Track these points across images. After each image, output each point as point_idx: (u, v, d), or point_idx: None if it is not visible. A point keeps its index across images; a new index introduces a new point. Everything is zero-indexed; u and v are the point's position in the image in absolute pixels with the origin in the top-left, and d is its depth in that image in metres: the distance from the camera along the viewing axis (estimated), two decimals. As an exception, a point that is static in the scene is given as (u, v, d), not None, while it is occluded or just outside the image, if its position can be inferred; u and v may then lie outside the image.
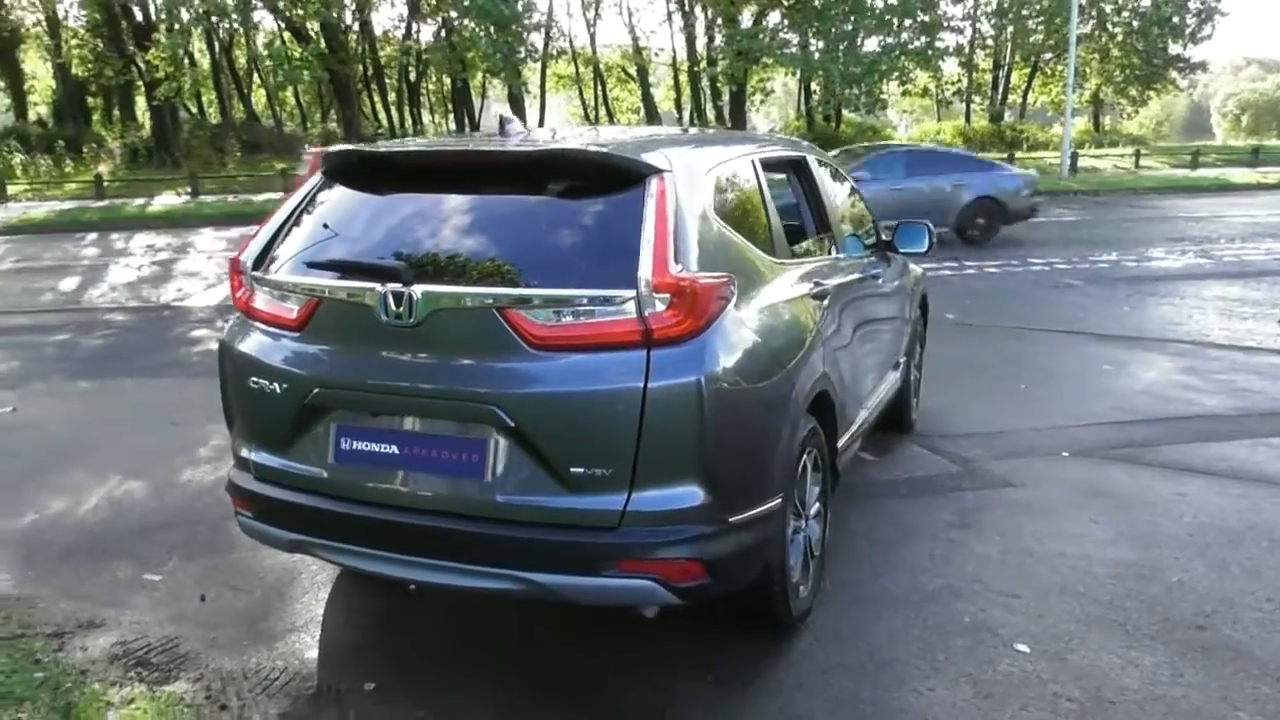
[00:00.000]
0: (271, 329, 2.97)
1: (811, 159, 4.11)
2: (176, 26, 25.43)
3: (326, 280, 2.84)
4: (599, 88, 40.89)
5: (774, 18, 29.88)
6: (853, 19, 27.03)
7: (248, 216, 18.66)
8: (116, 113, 38.81)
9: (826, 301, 3.53)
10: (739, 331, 2.78)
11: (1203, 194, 25.01)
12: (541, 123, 37.49)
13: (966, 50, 37.48)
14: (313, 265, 2.88)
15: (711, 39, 31.90)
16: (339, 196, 3.06)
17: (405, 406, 2.76)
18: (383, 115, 38.23)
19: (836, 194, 4.37)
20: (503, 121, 3.13)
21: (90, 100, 39.44)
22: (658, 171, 2.74)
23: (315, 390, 2.84)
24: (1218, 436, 5.57)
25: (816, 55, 27.74)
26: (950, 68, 37.35)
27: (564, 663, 3.20)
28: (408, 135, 34.16)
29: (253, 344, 3.00)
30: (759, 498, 2.83)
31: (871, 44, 28.82)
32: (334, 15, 26.72)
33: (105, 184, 24.70)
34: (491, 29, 25.49)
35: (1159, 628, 3.36)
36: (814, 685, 3.03)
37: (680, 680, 3.06)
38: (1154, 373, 7.09)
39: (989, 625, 3.38)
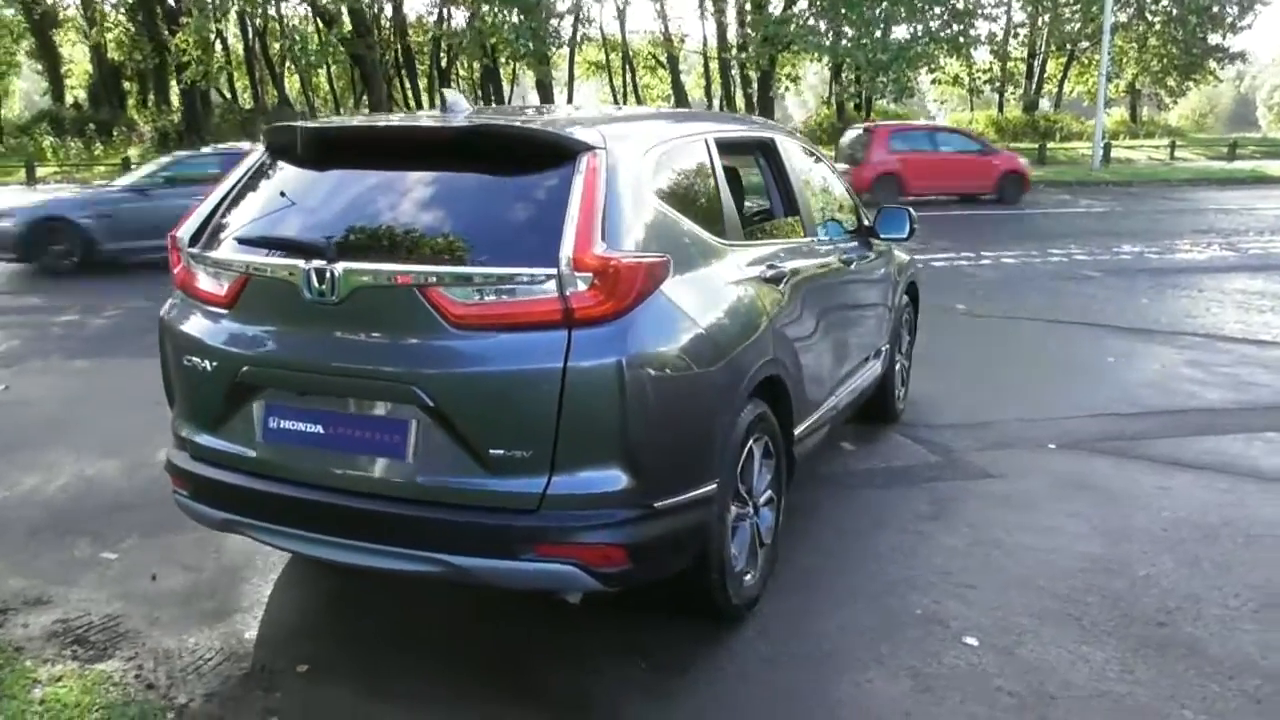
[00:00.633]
0: (204, 306, 2.95)
1: (781, 141, 4.03)
2: (203, 10, 25.59)
3: (254, 257, 2.81)
4: (627, 75, 40.73)
5: (803, 3, 29.58)
6: (883, 5, 26.65)
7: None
8: (151, 97, 39.26)
9: (784, 285, 3.45)
10: (671, 313, 2.71)
11: (1237, 186, 24.52)
12: (568, 109, 37.40)
13: (1000, 38, 36.90)
14: (243, 242, 2.86)
15: (742, 25, 31.63)
16: (277, 173, 3.03)
17: (330, 386, 2.73)
18: (413, 101, 38.34)
19: (808, 177, 4.27)
20: (444, 98, 3.08)
21: (126, 84, 39.94)
22: (589, 148, 2.68)
23: (244, 368, 2.82)
24: (1214, 430, 5.43)
25: (844, 42, 27.39)
26: (982, 56, 36.85)
27: (500, 644, 3.16)
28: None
29: (187, 321, 2.99)
30: (690, 483, 2.77)
31: (901, 31, 28.45)
32: (361, 1, 26.79)
33: (133, 166, 24.94)
34: (516, 13, 25.44)
35: (1116, 623, 3.26)
36: (753, 674, 2.97)
37: (614, 665, 3.00)
38: (1159, 365, 6.93)
39: (941, 617, 3.30)
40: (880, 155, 19.11)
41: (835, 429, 5.17)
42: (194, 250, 2.96)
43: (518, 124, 2.81)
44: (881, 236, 4.78)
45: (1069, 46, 37.76)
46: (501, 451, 2.55)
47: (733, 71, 36.61)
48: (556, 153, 2.68)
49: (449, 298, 2.54)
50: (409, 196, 2.78)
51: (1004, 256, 12.78)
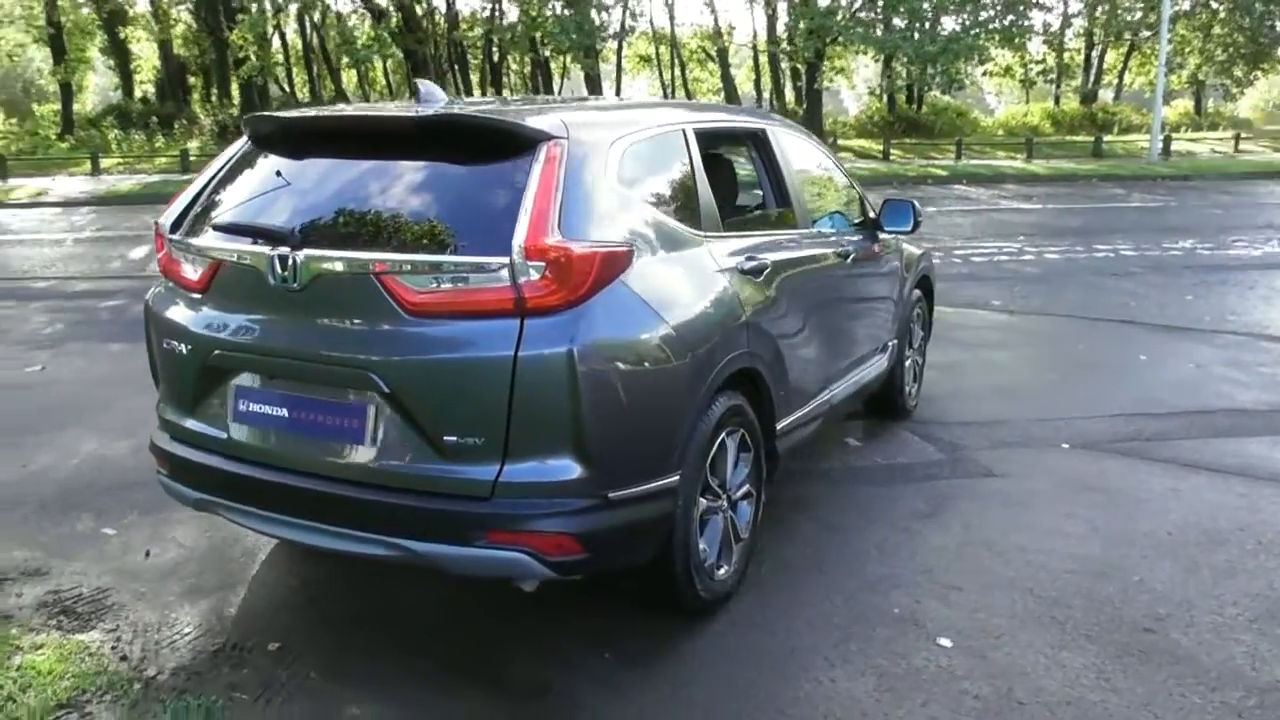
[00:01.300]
0: (182, 291, 3.01)
1: (774, 132, 3.98)
2: (256, 6, 26.05)
3: (225, 244, 2.86)
4: (675, 69, 40.57)
5: (851, -7, 29.19)
6: (933, -5, 26.22)
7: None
8: (214, 91, 40.11)
9: (765, 277, 3.41)
10: (630, 304, 2.70)
11: (1304, 181, 23.69)
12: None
13: (1056, 29, 35.99)
14: (216, 228, 2.91)
15: (788, 16, 31.32)
16: (255, 162, 3.07)
17: (294, 370, 2.76)
18: (464, 96, 38.67)
19: (805, 169, 4.22)
20: (417, 88, 3.10)
21: (191, 79, 40.85)
22: (549, 138, 2.68)
23: (215, 352, 2.87)
24: (1239, 432, 5.27)
25: (892, 34, 26.94)
26: (1037, 47, 35.93)
27: (471, 631, 3.18)
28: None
29: (167, 306, 3.05)
30: (648, 474, 2.75)
31: (951, 22, 27.92)
32: (411, -3, 27.08)
33: (192, 159, 25.54)
34: (559, 7, 25.47)
35: (1100, 628, 3.18)
36: (715, 669, 2.95)
37: (580, 655, 3.00)
38: (1192, 364, 6.73)
39: (918, 617, 3.25)
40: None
41: (837, 423, 5.15)
42: (174, 237, 3.02)
43: (480, 114, 2.82)
44: (886, 230, 4.71)
45: (1129, 36, 36.70)
46: (455, 438, 2.56)
47: (782, 65, 36.27)
48: (517, 142, 2.68)
49: (405, 285, 2.56)
50: (373, 185, 2.80)
51: (1048, 252, 12.52)
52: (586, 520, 2.61)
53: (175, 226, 3.04)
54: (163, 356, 3.06)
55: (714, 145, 3.66)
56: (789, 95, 36.91)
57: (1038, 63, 36.11)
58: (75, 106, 37.08)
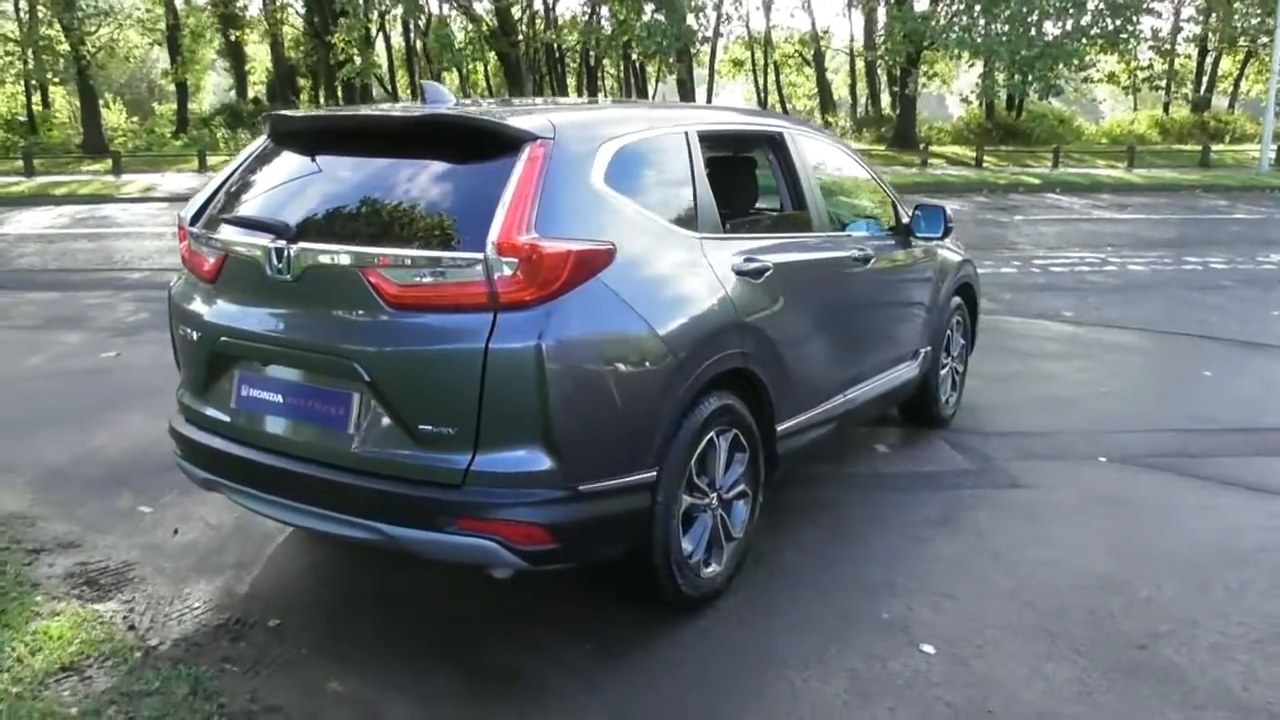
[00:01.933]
0: (196, 280, 3.19)
1: (792, 135, 3.98)
2: (355, 11, 26.93)
3: (233, 236, 3.02)
4: (770, 74, 40.36)
5: (948, -2, 28.58)
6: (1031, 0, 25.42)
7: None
8: (322, 92, 41.51)
9: (767, 279, 3.42)
10: (607, 301, 2.76)
11: None
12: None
13: (1166, 34, 34.52)
14: (228, 221, 3.07)
15: (881, 21, 30.88)
16: (271, 158, 3.23)
17: (289, 358, 2.90)
18: (557, 99, 39.16)
19: (825, 173, 4.21)
20: (424, 89, 3.22)
21: (300, 80, 42.38)
22: (534, 138, 2.76)
23: (221, 339, 3.03)
24: (1292, 453, 5.05)
25: (987, 38, 26.24)
26: (1145, 53, 34.49)
27: (460, 616, 3.27)
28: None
29: (185, 294, 3.23)
30: (622, 469, 2.81)
31: (1053, 27, 27.04)
32: (503, 1, 27.55)
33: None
34: (651, 11, 25.63)
35: (1092, 643, 3.11)
36: (691, 664, 2.99)
37: (561, 645, 3.07)
38: (1261, 382, 6.47)
39: (906, 624, 3.22)
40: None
41: (868, 430, 5.11)
42: (193, 229, 3.20)
43: (469, 114, 2.91)
44: (918, 236, 4.66)
45: (1244, 43, 34.98)
46: (430, 427, 2.66)
47: (879, 70, 35.77)
48: (503, 142, 2.77)
49: (386, 278, 2.67)
50: (368, 182, 2.93)
51: (1133, 263, 12.09)
52: (556, 511, 2.68)
53: (195, 219, 3.22)
54: (180, 344, 3.25)
55: (724, 148, 3.68)
56: (885, 100, 36.38)
57: (1144, 69, 34.73)
58: (192, 106, 38.81)
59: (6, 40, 31.07)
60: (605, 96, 42.94)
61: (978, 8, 26.89)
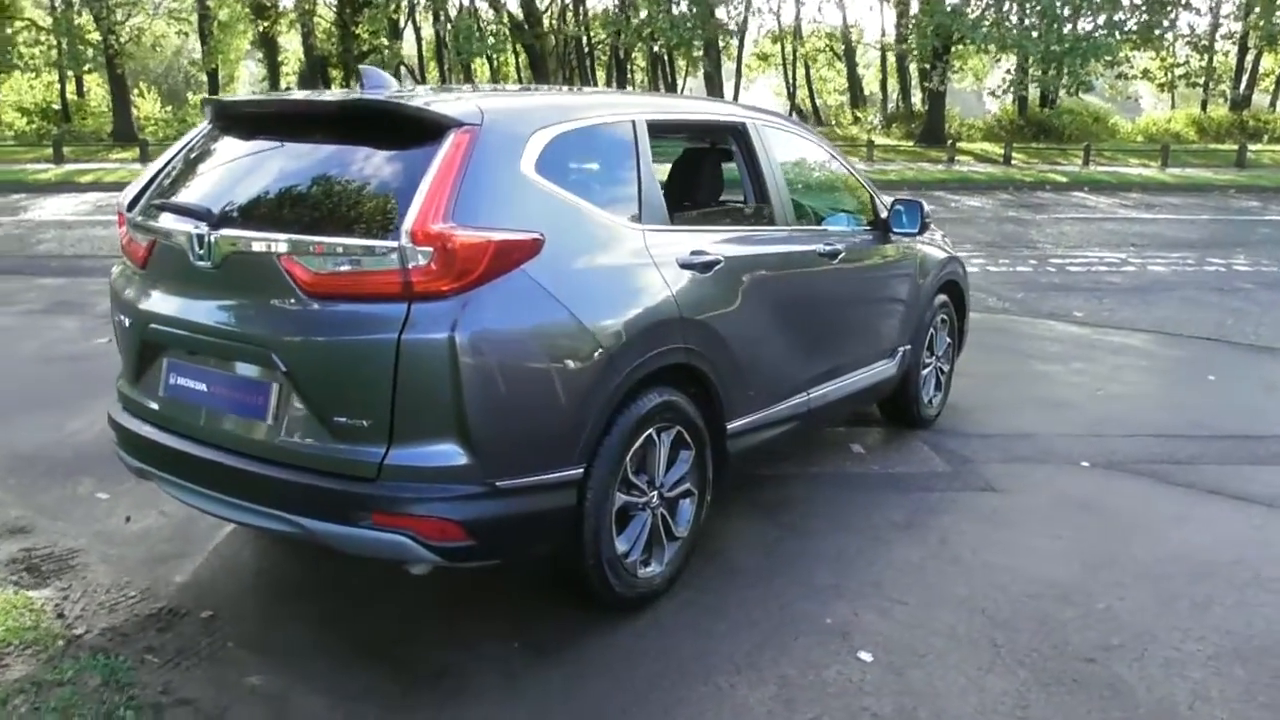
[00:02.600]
0: (129, 267, 3.15)
1: (756, 127, 3.88)
2: (377, 2, 27.02)
3: (161, 222, 2.98)
4: (796, 68, 40.02)
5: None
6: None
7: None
8: (352, 82, 41.74)
9: (717, 273, 3.34)
10: (529, 293, 2.68)
11: None
12: (735, 101, 37.13)
13: (1205, 31, 33.72)
14: (158, 208, 3.03)
15: (906, 15, 30.46)
16: (208, 144, 3.18)
17: (211, 346, 2.86)
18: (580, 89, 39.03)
19: (793, 166, 4.11)
20: (362, 74, 3.16)
21: (332, 71, 42.69)
22: (459, 124, 2.69)
23: (150, 326, 3.00)
24: (1282, 461, 4.88)
25: (1014, 31, 25.78)
26: (1181, 50, 33.70)
27: (393, 611, 3.22)
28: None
29: (121, 282, 3.20)
30: (543, 465, 2.74)
31: (1086, 22, 26.49)
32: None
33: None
34: (676, 5, 25.49)
35: (1039, 654, 3.00)
36: (618, 666, 2.91)
37: (489, 642, 3.01)
38: (1263, 389, 6.28)
39: (848, 629, 3.13)
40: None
41: (846, 429, 5.01)
42: (129, 215, 3.17)
43: (393, 100, 2.85)
44: (894, 231, 4.55)
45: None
46: (344, 419, 2.61)
47: (910, 66, 35.32)
48: (427, 129, 2.70)
49: (302, 266, 2.61)
50: (293, 168, 2.88)
51: (1154, 263, 11.85)
52: (471, 507, 2.61)
53: (132, 205, 3.19)
54: (116, 331, 3.22)
55: (682, 139, 3.59)
56: (917, 97, 35.91)
57: (1180, 65, 33.96)
58: (225, 96, 39.09)
59: (39, 29, 31.46)
60: (633, 89, 42.84)
61: (1012, 6, 26.50)
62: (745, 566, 3.57)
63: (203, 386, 2.89)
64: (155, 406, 3.03)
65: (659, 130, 3.40)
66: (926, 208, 4.56)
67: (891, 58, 37.07)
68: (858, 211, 4.59)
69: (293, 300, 2.64)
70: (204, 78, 40.61)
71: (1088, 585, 3.46)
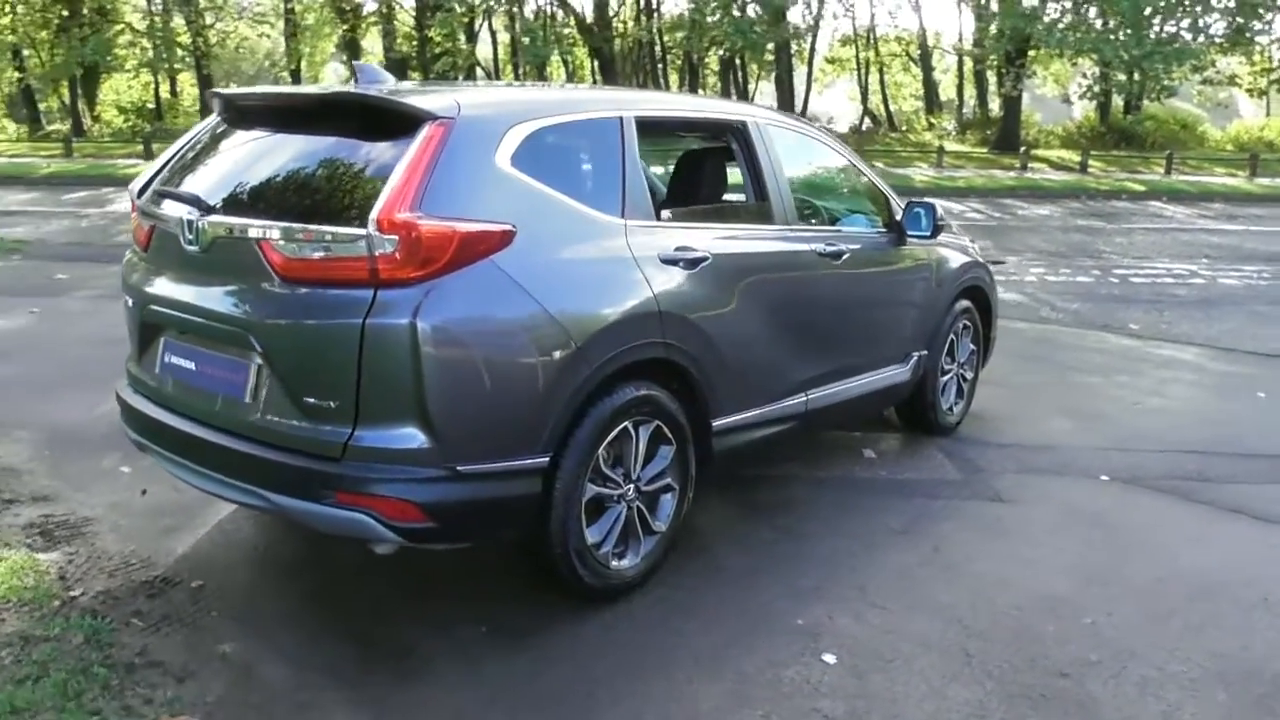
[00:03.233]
0: (135, 250, 3.30)
1: (758, 125, 3.87)
2: (449, 6, 27.49)
3: (161, 208, 3.11)
4: (873, 73, 39.49)
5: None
6: (1153, -1, 24.09)
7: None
8: (431, 86, 42.39)
9: (703, 269, 3.34)
10: (497, 283, 2.73)
11: None
12: (805, 105, 36.84)
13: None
14: (161, 195, 3.16)
15: (979, 19, 29.84)
16: (214, 134, 3.31)
17: (198, 327, 2.98)
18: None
19: (797, 165, 4.09)
20: (357, 69, 3.25)
21: (412, 74, 43.54)
22: (434, 117, 2.76)
23: (149, 307, 3.13)
24: (1322, 484, 4.68)
25: (1090, 35, 24.99)
26: (1277, 54, 32.22)
27: (372, 591, 3.30)
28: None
29: (129, 265, 3.35)
30: (506, 452, 2.78)
31: (1168, 25, 25.56)
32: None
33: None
34: (737, 8, 25.33)
35: (1010, 666, 2.94)
36: (582, 655, 2.94)
37: (459, 626, 3.07)
38: (1315, 408, 6.03)
39: (819, 631, 3.11)
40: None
41: (864, 433, 4.97)
42: (137, 201, 3.31)
43: (373, 93, 2.93)
44: (908, 234, 4.49)
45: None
46: (313, 400, 2.69)
47: (988, 71, 34.58)
48: (405, 121, 2.77)
49: (278, 252, 2.71)
50: (279, 158, 2.98)
51: (1225, 277, 11.45)
52: (431, 490, 2.67)
53: (142, 192, 3.33)
54: (124, 310, 3.36)
55: (679, 136, 3.61)
56: (995, 103, 35.13)
57: (1273, 70, 32.51)
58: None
59: (134, 31, 32.74)
60: (705, 93, 42.76)
61: (1092, 8, 25.77)
62: (730, 565, 3.57)
63: (191, 365, 3.01)
64: (153, 384, 3.17)
65: (651, 127, 3.43)
66: (940, 210, 4.49)
67: (969, 63, 36.34)
68: (870, 213, 4.55)
69: (270, 284, 2.74)
70: (288, 79, 41.80)
71: (1078, 600, 3.38)
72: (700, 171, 4.02)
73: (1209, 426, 5.51)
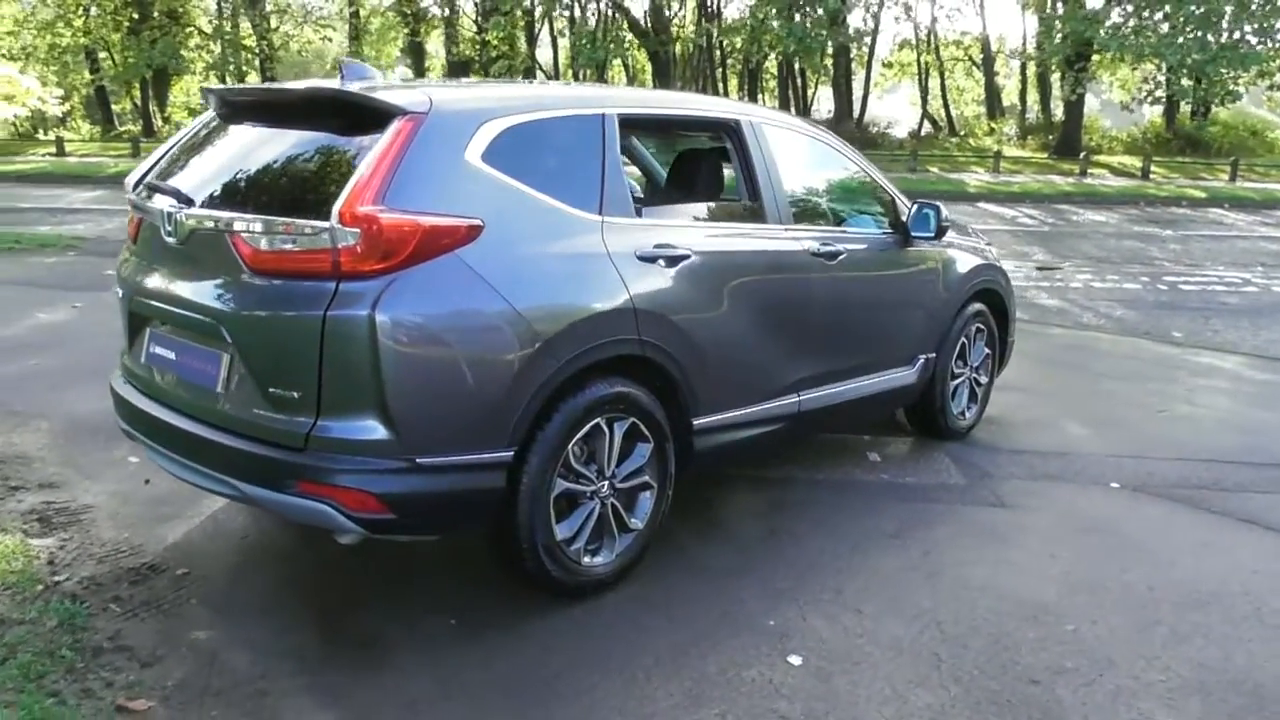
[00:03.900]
0: (127, 243, 3.39)
1: (752, 124, 3.83)
2: (505, 9, 27.79)
3: (150, 202, 3.19)
4: (934, 77, 38.95)
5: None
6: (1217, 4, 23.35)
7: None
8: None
9: (684, 267, 3.33)
10: (460, 277, 2.75)
11: None
12: (863, 110, 36.47)
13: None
14: (150, 188, 3.25)
15: (1062, 21, 29.28)
16: (205, 130, 3.38)
17: (177, 318, 3.04)
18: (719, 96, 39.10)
19: (793, 165, 4.04)
20: (342, 66, 3.30)
21: (472, 76, 44.11)
22: (404, 113, 2.79)
23: (135, 298, 3.21)
24: (1348, 495, 4.50)
25: (1150, 39, 24.31)
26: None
27: (351, 582, 3.34)
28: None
29: (121, 257, 3.44)
30: (469, 446, 2.79)
31: (1235, 29, 24.79)
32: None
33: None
34: (779, 8, 25.13)
35: (979, 672, 2.88)
36: (542, 650, 2.94)
37: (427, 617, 3.09)
38: (1354, 418, 5.80)
39: (787, 632, 3.08)
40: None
41: (872, 435, 4.91)
42: (130, 195, 3.40)
43: (346, 89, 2.96)
44: (913, 235, 4.43)
45: None
46: (279, 390, 2.73)
47: (1053, 76, 33.90)
48: (376, 116, 2.81)
49: (248, 244, 2.76)
50: (258, 152, 3.04)
51: (1278, 284, 11.09)
52: (391, 482, 2.70)
53: (136, 185, 3.42)
54: (117, 303, 3.46)
55: (668, 135, 3.60)
56: (1058, 108, 34.44)
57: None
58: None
59: (202, 34, 33.68)
60: (766, 99, 42.56)
61: (1158, 12, 25.12)
62: (710, 565, 3.55)
63: (172, 355, 3.08)
64: (140, 374, 3.25)
65: (638, 125, 3.43)
66: (944, 211, 4.42)
67: (1032, 67, 35.68)
68: (875, 214, 4.49)
69: (240, 276, 2.79)
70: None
71: (1062, 607, 3.29)
72: (695, 170, 4.01)
73: (1235, 435, 5.33)
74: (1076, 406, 5.80)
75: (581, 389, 3.04)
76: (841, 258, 4.04)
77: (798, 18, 26.00)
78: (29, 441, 4.61)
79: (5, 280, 9.06)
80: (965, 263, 4.86)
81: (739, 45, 31.61)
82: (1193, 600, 3.37)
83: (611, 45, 29.59)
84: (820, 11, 26.08)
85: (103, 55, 34.13)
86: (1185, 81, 27.22)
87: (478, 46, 36.60)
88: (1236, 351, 7.65)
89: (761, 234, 3.77)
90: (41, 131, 34.37)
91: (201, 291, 2.92)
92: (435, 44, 44.86)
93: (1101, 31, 25.00)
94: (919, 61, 38.40)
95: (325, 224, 2.64)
